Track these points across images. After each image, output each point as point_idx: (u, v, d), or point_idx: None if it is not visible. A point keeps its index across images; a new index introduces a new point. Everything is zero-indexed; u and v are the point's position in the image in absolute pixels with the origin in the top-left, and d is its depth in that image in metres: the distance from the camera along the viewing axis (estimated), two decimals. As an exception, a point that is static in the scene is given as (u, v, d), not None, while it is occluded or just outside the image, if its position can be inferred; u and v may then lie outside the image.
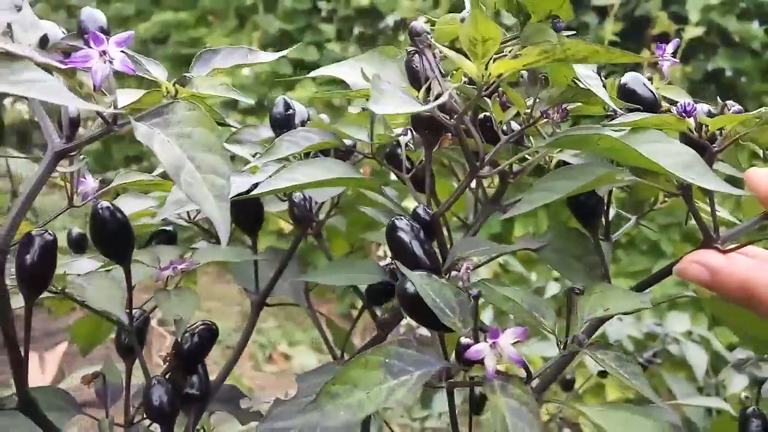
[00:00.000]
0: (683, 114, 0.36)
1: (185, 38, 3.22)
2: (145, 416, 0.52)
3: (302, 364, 2.04)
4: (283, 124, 0.50)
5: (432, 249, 0.36)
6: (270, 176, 0.41)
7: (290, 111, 0.49)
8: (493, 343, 0.28)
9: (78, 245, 0.56)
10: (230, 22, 3.19)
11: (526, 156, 0.46)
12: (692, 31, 2.33)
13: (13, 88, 0.27)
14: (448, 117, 0.38)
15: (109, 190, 0.48)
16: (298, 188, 0.42)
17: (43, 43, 0.36)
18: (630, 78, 0.40)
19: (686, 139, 0.37)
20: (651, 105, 0.39)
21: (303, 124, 0.52)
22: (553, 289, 1.17)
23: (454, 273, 0.37)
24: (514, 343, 0.29)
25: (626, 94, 0.40)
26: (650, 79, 0.43)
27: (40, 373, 1.30)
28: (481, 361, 0.28)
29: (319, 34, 3.01)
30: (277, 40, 3.08)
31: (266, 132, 0.56)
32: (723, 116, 0.37)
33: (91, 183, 0.48)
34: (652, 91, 0.39)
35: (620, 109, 0.38)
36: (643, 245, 2.07)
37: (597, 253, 0.43)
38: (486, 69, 0.35)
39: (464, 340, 0.30)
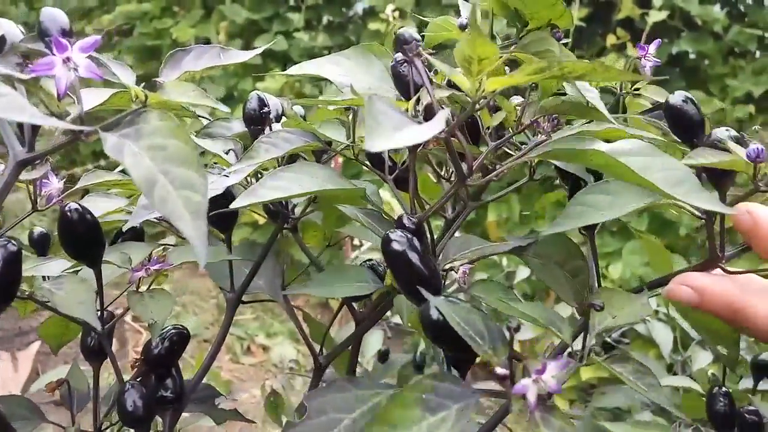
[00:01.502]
0: (753, 159, 0.35)
1: (150, 29, 3.11)
2: (114, 422, 0.50)
3: (281, 355, 2.03)
4: (256, 121, 0.48)
5: (430, 260, 0.35)
6: (249, 185, 0.39)
7: (265, 108, 0.47)
8: (537, 378, 0.28)
9: (41, 245, 0.54)
10: (196, 12, 3.08)
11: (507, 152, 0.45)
12: (656, 16, 2.36)
13: (-31, 105, 0.25)
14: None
15: (75, 192, 0.46)
16: (284, 198, 0.40)
17: (0, 44, 0.34)
18: (678, 98, 0.38)
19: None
20: (700, 127, 0.38)
21: (278, 118, 0.50)
22: (523, 273, 1.18)
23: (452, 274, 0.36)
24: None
25: (675, 116, 0.38)
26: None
27: (13, 372, 1.27)
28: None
29: (287, 24, 2.93)
30: (245, 30, 3.01)
31: (239, 126, 0.54)
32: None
33: (55, 184, 0.46)
34: (700, 113, 0.39)
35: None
36: (612, 227, 2.09)
37: (581, 258, 0.43)
38: (480, 85, 0.34)
39: (500, 371, 0.29)
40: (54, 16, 0.32)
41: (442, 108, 0.33)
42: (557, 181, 0.50)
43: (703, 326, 0.48)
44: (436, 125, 0.29)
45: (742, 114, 2.26)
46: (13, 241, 0.37)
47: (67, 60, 0.29)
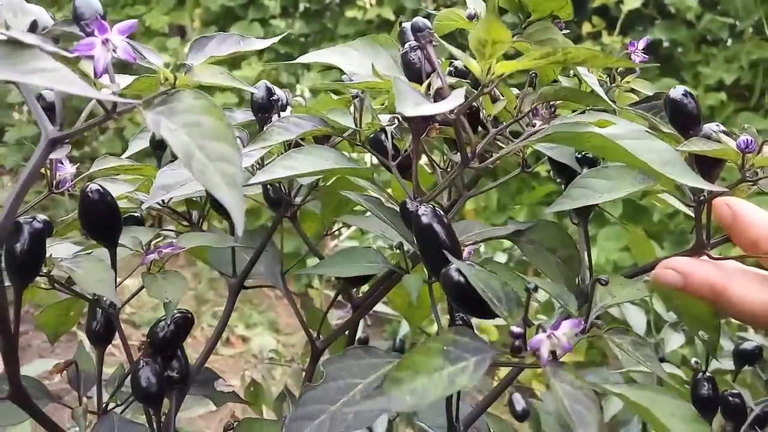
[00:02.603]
0: (743, 150, 0.38)
1: (123, 16, 3.07)
2: (119, 402, 0.52)
3: (260, 345, 2.03)
4: (265, 108, 0.50)
5: (453, 232, 0.37)
6: (266, 164, 0.41)
7: (273, 96, 0.49)
8: (551, 334, 0.30)
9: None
10: None
11: (501, 145, 0.48)
12: (631, 3, 2.40)
13: (27, 77, 0.26)
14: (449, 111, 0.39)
15: (88, 176, 0.48)
16: (296, 177, 0.42)
17: (33, 29, 0.35)
18: (678, 93, 0.41)
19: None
20: (696, 120, 0.41)
21: (283, 107, 0.52)
22: (500, 258, 1.22)
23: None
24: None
25: (674, 108, 0.41)
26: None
27: None
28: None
29: (263, 11, 2.92)
30: (220, 17, 2.99)
31: (241, 115, 0.56)
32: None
33: (68, 168, 0.47)
34: (698, 107, 0.41)
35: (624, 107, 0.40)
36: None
37: (573, 248, 0.45)
38: (489, 68, 0.37)
39: (516, 329, 0.31)
40: (89, 2, 0.34)
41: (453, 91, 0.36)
42: (546, 174, 0.53)
43: (685, 312, 0.50)
44: (456, 99, 0.32)
45: (713, 101, 2.31)
46: (37, 219, 0.38)
47: (106, 41, 0.31)
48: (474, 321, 0.49)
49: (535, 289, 0.30)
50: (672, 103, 0.41)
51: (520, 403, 0.77)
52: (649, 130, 0.44)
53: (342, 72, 0.49)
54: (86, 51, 0.31)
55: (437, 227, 0.37)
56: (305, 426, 0.33)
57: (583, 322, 0.31)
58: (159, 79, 0.35)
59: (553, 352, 0.31)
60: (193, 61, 0.37)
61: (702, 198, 0.40)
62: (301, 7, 2.98)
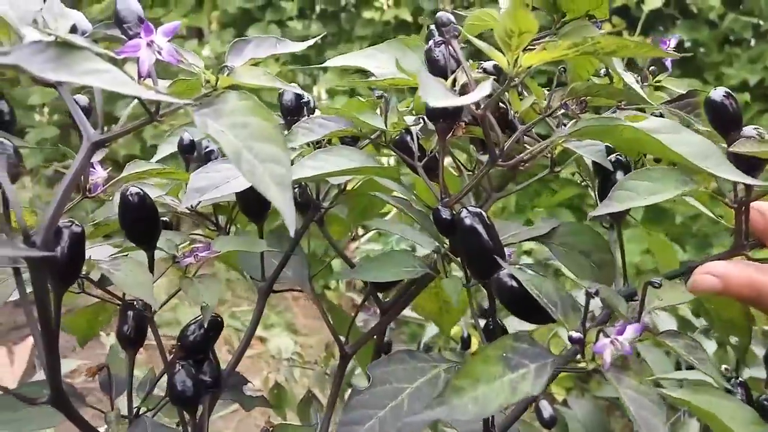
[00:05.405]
0: None
1: None
2: (150, 407, 0.52)
3: (278, 346, 2.02)
4: (294, 111, 0.50)
5: (496, 234, 0.37)
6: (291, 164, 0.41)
7: (302, 99, 0.49)
8: (614, 339, 0.30)
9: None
10: (188, 1, 3.07)
11: (527, 147, 0.47)
12: (652, 3, 2.36)
13: (81, 78, 0.26)
14: (475, 107, 0.39)
15: (119, 181, 0.48)
16: (323, 176, 0.42)
17: (73, 32, 0.36)
18: (719, 94, 0.40)
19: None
20: (738, 122, 0.40)
21: (311, 110, 0.52)
22: (523, 261, 1.21)
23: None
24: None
25: (715, 110, 0.40)
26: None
27: (9, 366, 1.26)
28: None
29: (280, 12, 2.93)
30: (237, 20, 3.00)
31: (270, 119, 0.56)
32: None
33: (101, 173, 0.47)
34: (739, 108, 0.41)
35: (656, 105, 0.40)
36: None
37: (608, 252, 0.44)
38: (516, 61, 0.36)
39: (575, 335, 0.31)
40: (130, 5, 0.34)
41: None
42: (568, 176, 0.53)
43: (716, 316, 0.49)
44: (483, 90, 0.32)
45: None
46: (77, 222, 0.38)
47: (150, 43, 0.31)
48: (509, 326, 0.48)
49: (597, 293, 0.30)
50: (713, 104, 0.40)
51: (547, 409, 0.76)
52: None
53: (365, 75, 0.49)
54: (132, 52, 0.31)
55: (482, 230, 0.37)
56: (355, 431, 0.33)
57: (642, 327, 0.31)
58: (200, 81, 0.35)
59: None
60: (233, 63, 0.37)
61: (743, 198, 0.39)
62: (318, 8, 2.99)
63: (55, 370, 0.36)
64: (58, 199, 0.33)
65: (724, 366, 0.62)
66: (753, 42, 2.47)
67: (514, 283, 0.34)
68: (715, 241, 2.07)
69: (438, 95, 0.32)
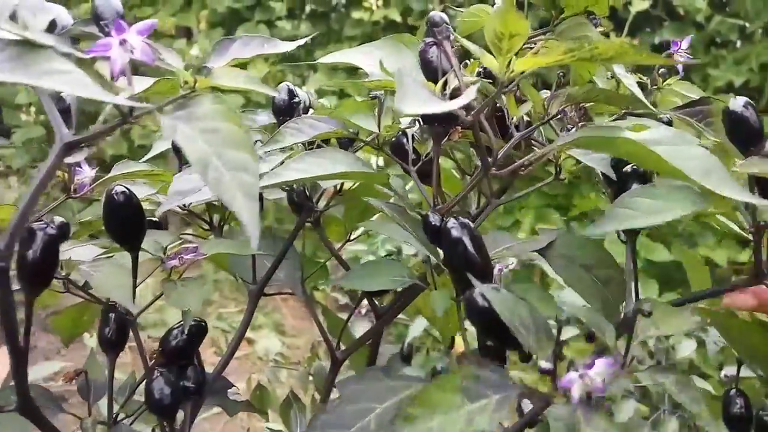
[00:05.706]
0: None
1: (130, 18, 3.08)
2: (129, 414, 0.50)
3: (266, 348, 2.02)
4: (286, 111, 0.49)
5: (484, 248, 0.35)
6: (275, 166, 0.40)
7: (294, 99, 0.48)
8: (584, 373, 0.28)
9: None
10: (177, 1, 3.07)
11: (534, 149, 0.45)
12: (639, 5, 2.37)
13: (39, 80, 0.25)
14: (465, 112, 0.38)
15: (108, 180, 0.47)
16: (306, 180, 0.41)
17: (51, 28, 0.34)
18: (739, 104, 0.37)
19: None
20: (759, 136, 0.37)
21: (305, 110, 0.50)
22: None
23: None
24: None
25: (734, 122, 0.37)
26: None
27: None
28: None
29: (269, 12, 2.93)
30: (226, 19, 3.00)
31: (264, 118, 0.54)
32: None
33: (88, 172, 0.46)
34: (760, 120, 0.37)
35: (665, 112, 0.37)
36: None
37: (613, 267, 0.41)
38: (508, 65, 0.35)
39: (545, 365, 0.29)
40: (109, 1, 0.33)
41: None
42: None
43: (739, 341, 0.47)
44: (464, 98, 0.30)
45: (722, 104, 2.28)
46: (51, 225, 0.37)
47: (123, 42, 0.30)
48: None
49: (568, 321, 0.28)
50: (732, 115, 0.37)
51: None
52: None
53: (355, 75, 0.48)
54: (102, 52, 0.30)
55: (468, 242, 0.35)
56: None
57: (618, 360, 0.29)
58: (179, 81, 0.33)
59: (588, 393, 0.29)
60: (215, 64, 0.36)
61: (762, 223, 0.36)
62: (308, 8, 2.99)
63: (22, 377, 0.35)
64: (26, 201, 0.32)
65: (723, 373, 0.60)
66: (739, 44, 2.47)
67: (485, 303, 0.32)
68: (700, 240, 2.06)
69: (413, 102, 0.30)
